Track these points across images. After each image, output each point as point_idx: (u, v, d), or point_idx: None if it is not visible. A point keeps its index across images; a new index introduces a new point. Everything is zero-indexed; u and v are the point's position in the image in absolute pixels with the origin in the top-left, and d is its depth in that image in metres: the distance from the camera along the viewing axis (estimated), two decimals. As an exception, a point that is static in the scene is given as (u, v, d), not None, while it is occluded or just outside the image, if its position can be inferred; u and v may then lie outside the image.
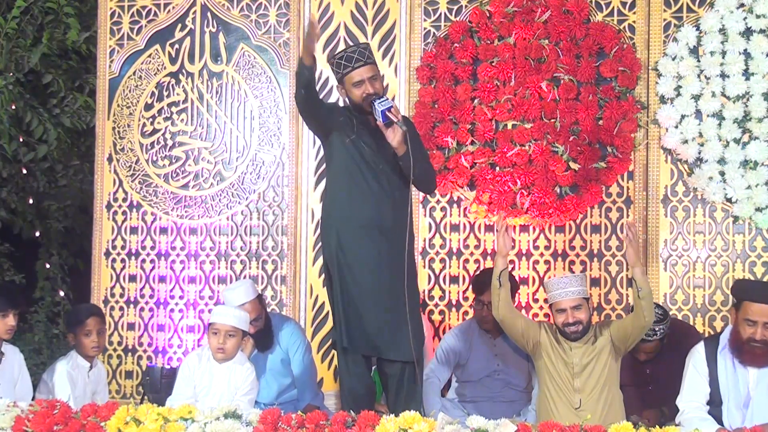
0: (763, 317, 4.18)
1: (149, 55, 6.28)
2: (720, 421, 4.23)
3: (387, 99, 4.25)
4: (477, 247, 5.81)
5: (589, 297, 4.58)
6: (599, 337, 4.47)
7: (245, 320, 4.66)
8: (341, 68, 4.27)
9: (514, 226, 5.74)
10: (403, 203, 4.35)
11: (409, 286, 4.28)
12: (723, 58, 5.51)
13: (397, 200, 4.31)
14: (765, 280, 5.46)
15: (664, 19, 5.67)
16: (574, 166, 5.62)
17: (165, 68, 6.26)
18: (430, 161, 4.38)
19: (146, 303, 6.18)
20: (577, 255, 5.70)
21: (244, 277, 6.01)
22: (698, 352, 4.37)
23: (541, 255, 5.74)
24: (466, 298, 5.77)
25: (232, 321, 4.58)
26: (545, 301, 5.67)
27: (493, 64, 5.76)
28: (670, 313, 5.48)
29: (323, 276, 5.89)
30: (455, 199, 5.83)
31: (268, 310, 5.30)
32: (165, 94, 6.25)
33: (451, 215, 5.85)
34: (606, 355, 4.44)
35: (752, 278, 5.48)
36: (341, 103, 4.57)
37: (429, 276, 5.83)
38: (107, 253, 6.24)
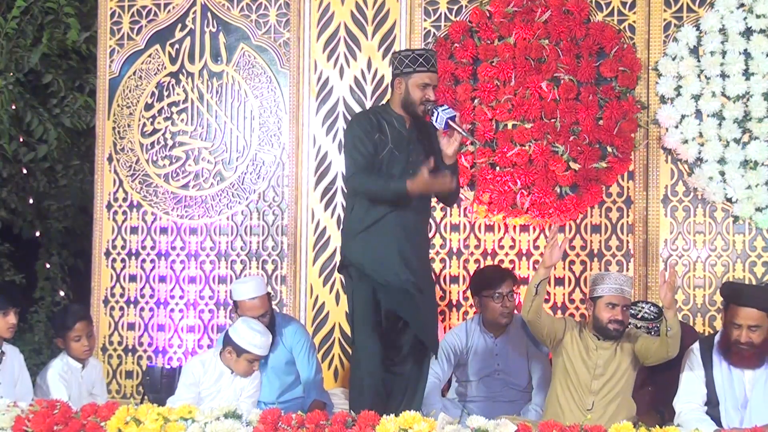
0: (747, 320, 4.19)
1: (149, 55, 6.28)
2: (718, 422, 4.23)
3: (449, 108, 4.29)
4: (477, 247, 5.81)
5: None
6: (625, 344, 4.48)
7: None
8: (415, 64, 4.29)
9: (515, 226, 5.75)
10: (428, 206, 4.51)
11: (432, 281, 4.54)
12: (723, 58, 5.51)
13: (422, 205, 4.40)
14: (765, 279, 5.47)
15: (664, 19, 5.67)
16: (574, 166, 5.62)
17: (165, 68, 6.26)
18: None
19: (146, 303, 6.18)
20: (577, 255, 5.70)
21: (245, 277, 6.02)
22: (693, 353, 4.38)
23: (542, 255, 5.72)
24: (466, 298, 5.77)
25: (267, 350, 4.63)
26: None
27: (493, 64, 5.76)
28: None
29: (326, 279, 5.94)
30: (455, 199, 5.84)
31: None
32: (165, 94, 6.25)
33: (451, 215, 5.85)
34: (627, 363, 4.46)
35: (752, 278, 5.48)
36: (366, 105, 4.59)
37: (429, 276, 5.83)
38: (107, 253, 6.24)
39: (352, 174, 4.31)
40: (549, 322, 4.54)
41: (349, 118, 5.82)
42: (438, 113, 4.21)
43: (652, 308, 4.81)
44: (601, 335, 4.46)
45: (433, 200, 4.59)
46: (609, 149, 5.60)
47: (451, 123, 4.19)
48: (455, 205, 5.80)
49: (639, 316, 4.77)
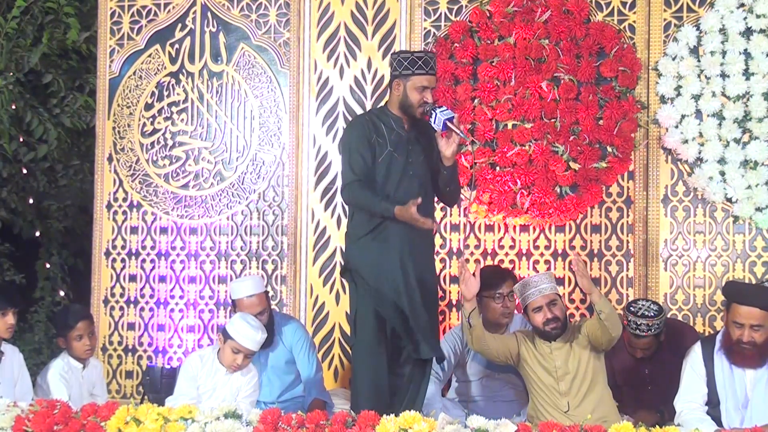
0: (749, 320, 4.19)
1: (149, 55, 6.28)
2: (719, 422, 4.23)
3: (448, 109, 4.29)
4: (477, 247, 5.81)
5: (561, 295, 4.63)
6: (577, 337, 4.48)
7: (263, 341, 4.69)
8: (414, 66, 4.28)
9: (515, 226, 5.75)
10: (430, 207, 4.47)
11: (434, 286, 4.50)
12: (723, 58, 5.51)
13: (425, 206, 4.37)
14: (766, 279, 5.47)
15: (664, 19, 5.67)
16: (574, 166, 5.62)
17: (165, 68, 6.26)
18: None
19: (146, 303, 6.18)
20: (578, 255, 5.70)
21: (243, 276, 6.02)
22: (695, 352, 4.38)
23: (541, 255, 5.74)
24: (466, 298, 5.76)
25: (255, 347, 4.59)
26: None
27: (494, 64, 5.76)
28: (670, 313, 5.49)
29: (327, 279, 5.94)
30: (455, 199, 5.83)
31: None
32: (165, 94, 6.25)
33: (451, 215, 5.85)
34: (587, 355, 4.45)
35: (752, 278, 5.48)
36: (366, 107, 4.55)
37: (429, 276, 5.82)
38: (107, 253, 6.24)
39: (347, 183, 4.32)
40: (497, 345, 4.54)
41: (350, 118, 5.82)
42: (436, 115, 4.21)
43: (652, 306, 4.81)
44: (547, 338, 4.48)
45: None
46: (609, 149, 5.60)
47: (449, 124, 4.18)
48: (455, 205, 5.80)
49: (639, 314, 4.77)
